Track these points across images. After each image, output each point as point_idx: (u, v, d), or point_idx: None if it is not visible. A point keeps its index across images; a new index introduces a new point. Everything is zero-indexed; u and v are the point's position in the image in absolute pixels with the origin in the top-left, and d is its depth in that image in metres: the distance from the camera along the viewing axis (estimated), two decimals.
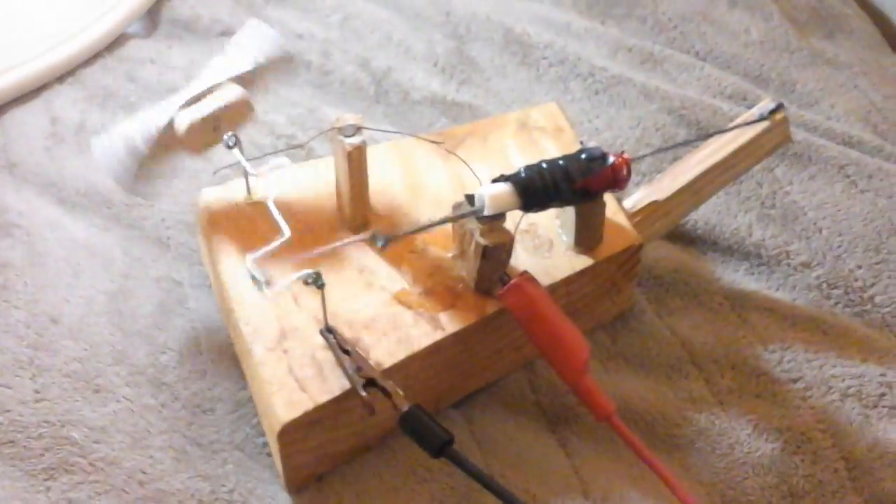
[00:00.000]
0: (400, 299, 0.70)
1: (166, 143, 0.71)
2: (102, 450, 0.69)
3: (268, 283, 0.64)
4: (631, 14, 1.02)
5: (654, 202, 0.77)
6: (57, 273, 0.78)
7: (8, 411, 0.70)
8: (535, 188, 0.68)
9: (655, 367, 0.76)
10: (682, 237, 0.84)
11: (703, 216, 0.85)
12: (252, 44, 0.74)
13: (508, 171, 0.74)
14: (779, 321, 0.79)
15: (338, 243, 0.67)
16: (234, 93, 0.71)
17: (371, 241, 0.65)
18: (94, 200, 0.84)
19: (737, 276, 0.82)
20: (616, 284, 0.76)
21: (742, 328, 0.78)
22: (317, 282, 0.64)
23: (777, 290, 0.82)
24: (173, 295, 0.79)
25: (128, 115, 0.88)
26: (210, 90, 0.71)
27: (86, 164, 0.86)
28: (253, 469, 0.70)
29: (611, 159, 0.69)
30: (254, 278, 0.64)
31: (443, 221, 0.68)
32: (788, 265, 0.82)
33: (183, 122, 0.70)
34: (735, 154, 0.77)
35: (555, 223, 0.74)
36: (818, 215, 0.85)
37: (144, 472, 0.68)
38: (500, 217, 0.68)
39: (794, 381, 0.76)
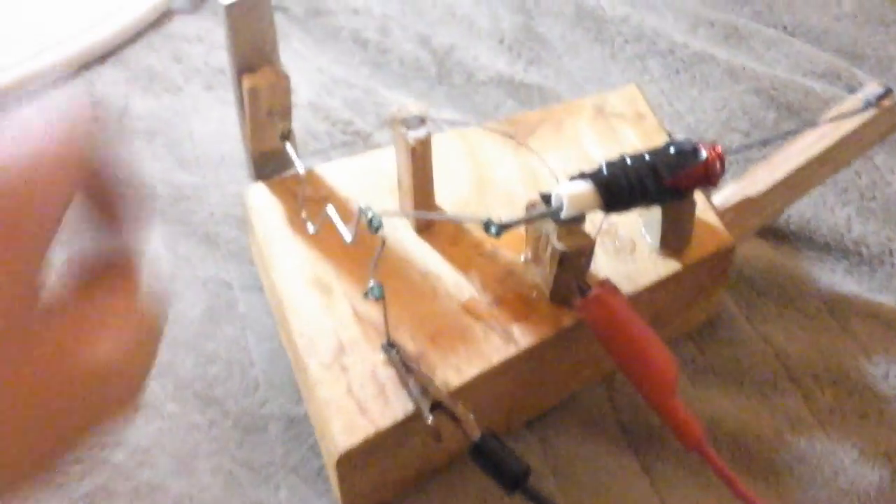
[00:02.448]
0: (469, 309, 0.64)
1: None
2: (146, 473, 0.64)
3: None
4: None
5: (747, 198, 0.69)
6: None
7: None
8: (619, 187, 0.61)
9: (748, 381, 0.69)
10: (774, 233, 0.77)
11: (796, 210, 0.77)
12: None
13: (584, 162, 0.67)
14: (883, 329, 0.72)
15: (446, 215, 0.61)
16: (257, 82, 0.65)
17: (484, 227, 0.59)
18: (136, 193, 0.78)
19: (835, 278, 0.75)
20: (705, 290, 0.69)
21: (843, 337, 0.71)
22: (375, 293, 0.58)
23: (881, 292, 0.74)
24: (222, 298, 0.73)
25: (173, 98, 0.83)
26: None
27: (129, 153, 0.80)
28: (308, 496, 0.64)
29: (703, 153, 0.61)
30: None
31: (520, 222, 0.61)
32: (893, 265, 0.75)
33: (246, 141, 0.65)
34: (837, 145, 0.70)
35: (637, 222, 0.67)
36: None
37: (191, 499, 0.63)
38: (579, 219, 0.61)
39: None
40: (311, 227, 0.62)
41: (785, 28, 0.91)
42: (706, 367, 0.70)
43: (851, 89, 0.85)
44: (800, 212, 0.77)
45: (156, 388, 0.68)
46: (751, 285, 0.74)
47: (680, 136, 0.63)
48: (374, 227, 0.56)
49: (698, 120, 0.83)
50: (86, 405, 0.34)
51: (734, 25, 0.90)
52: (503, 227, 0.59)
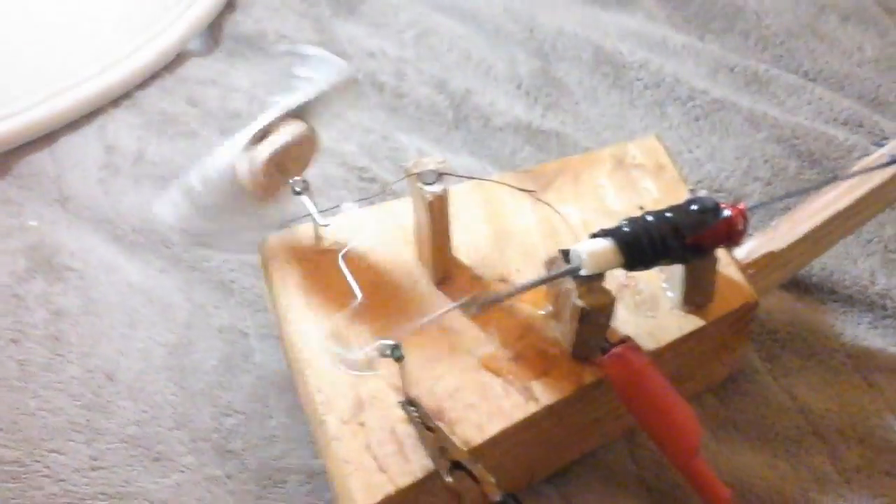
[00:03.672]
0: (488, 365, 0.63)
1: (228, 189, 0.64)
2: None
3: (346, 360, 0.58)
4: (732, 28, 0.93)
5: (771, 253, 0.68)
6: (112, 322, 0.72)
7: (62, 480, 0.65)
8: (640, 245, 0.60)
9: (772, 437, 0.68)
10: (797, 285, 0.76)
11: (819, 261, 0.76)
12: (314, 74, 0.67)
13: (604, 215, 0.67)
14: None
15: (426, 318, 0.60)
16: (297, 129, 0.64)
17: (465, 309, 0.58)
18: (151, 239, 0.78)
19: (859, 331, 0.74)
20: (727, 344, 0.68)
21: (868, 393, 0.70)
22: (395, 354, 0.57)
23: None
24: (238, 347, 0.72)
25: (188, 143, 0.83)
26: (270, 127, 0.64)
27: (142, 198, 0.80)
28: None
29: (726, 212, 0.61)
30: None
31: (539, 283, 0.61)
32: None
33: (243, 165, 0.63)
34: (862, 200, 0.69)
35: (659, 276, 0.66)
36: None
37: None
38: (599, 276, 0.60)
39: None
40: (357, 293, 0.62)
41: (806, 74, 0.90)
42: (729, 422, 0.69)
43: (874, 137, 0.84)
44: (822, 263, 0.76)
45: (173, 440, 0.67)
46: (775, 339, 0.73)
47: (702, 192, 0.62)
48: (395, 357, 0.56)
49: (718, 168, 0.82)
50: None
51: (755, 71, 0.89)
52: (482, 306, 0.60)
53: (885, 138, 0.84)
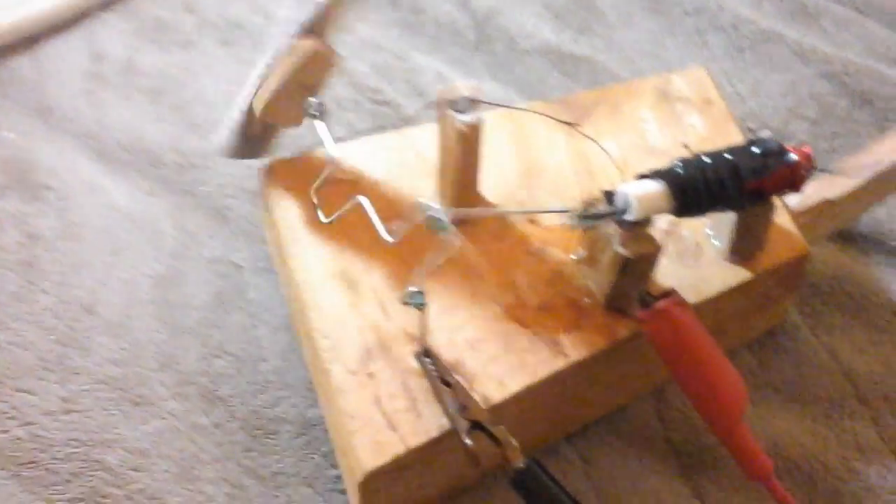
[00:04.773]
0: (513, 315, 0.57)
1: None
2: (142, 480, 0.57)
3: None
4: None
5: (826, 201, 0.62)
6: (93, 249, 0.66)
7: (30, 424, 0.58)
8: (696, 189, 0.53)
9: (812, 400, 0.62)
10: (841, 234, 0.70)
11: None
12: None
13: (645, 152, 0.60)
14: None
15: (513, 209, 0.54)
16: (303, 49, 0.57)
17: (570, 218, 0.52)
18: (139, 158, 0.71)
19: None
20: (772, 299, 0.62)
21: None
22: (416, 301, 0.51)
23: None
24: (231, 282, 0.66)
25: (184, 54, 0.75)
26: (278, 56, 0.57)
27: (131, 112, 0.73)
28: None
29: (791, 155, 0.54)
30: None
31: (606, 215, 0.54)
32: None
33: (258, 105, 0.57)
34: None
35: (702, 223, 0.60)
36: None
37: None
38: (645, 222, 0.54)
39: None
40: (322, 217, 0.55)
41: (857, 7, 0.83)
42: (767, 383, 0.63)
43: None
44: (870, 211, 0.70)
45: (156, 382, 0.60)
46: (816, 293, 0.67)
47: (764, 133, 0.55)
48: (437, 228, 0.49)
49: (762, 105, 0.75)
50: None
51: (803, 2, 0.82)
52: (591, 218, 0.52)
53: None
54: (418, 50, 0.78)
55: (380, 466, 0.52)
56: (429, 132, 0.60)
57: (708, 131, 0.64)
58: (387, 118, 0.73)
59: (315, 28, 0.57)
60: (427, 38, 0.79)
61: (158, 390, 0.60)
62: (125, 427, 0.59)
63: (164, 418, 0.59)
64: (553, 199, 0.61)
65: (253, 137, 0.60)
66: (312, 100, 0.56)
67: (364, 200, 0.53)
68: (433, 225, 0.48)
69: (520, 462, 0.51)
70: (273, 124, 0.59)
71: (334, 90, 0.74)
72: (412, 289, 0.51)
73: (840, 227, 0.65)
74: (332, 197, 0.58)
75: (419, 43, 0.79)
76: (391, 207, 0.58)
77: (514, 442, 0.51)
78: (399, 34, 0.79)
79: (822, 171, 0.57)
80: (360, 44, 0.77)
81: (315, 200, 0.57)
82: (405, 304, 0.51)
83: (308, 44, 0.56)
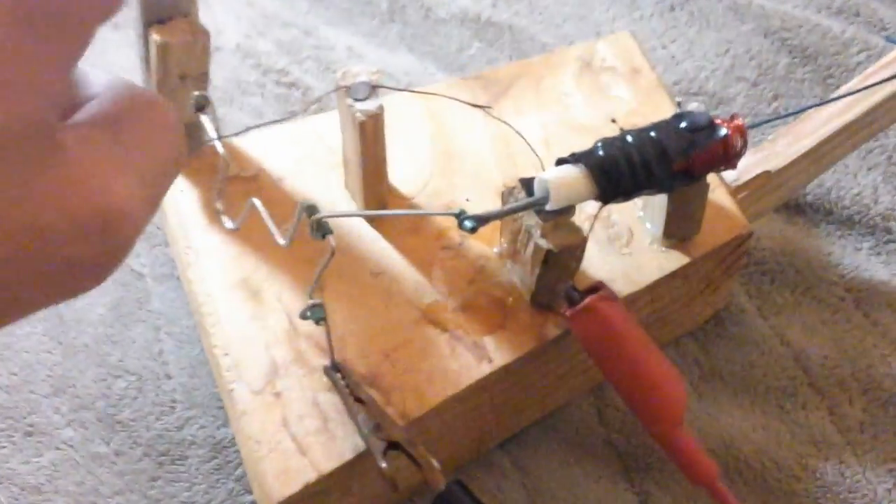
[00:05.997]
0: (431, 318, 0.52)
1: None
2: None
3: None
4: None
5: (767, 173, 0.57)
6: None
7: None
8: (619, 172, 0.48)
9: (763, 391, 0.58)
10: (787, 205, 0.65)
11: None
12: None
13: (570, 129, 0.56)
14: None
15: (406, 211, 0.49)
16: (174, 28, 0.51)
17: (456, 219, 0.46)
18: None
19: (859, 259, 0.63)
20: (713, 283, 0.58)
21: (872, 334, 0.60)
22: (314, 316, 0.46)
23: None
24: (132, 291, 0.60)
25: None
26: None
27: None
28: None
29: (722, 130, 0.49)
30: None
31: (508, 212, 0.49)
32: None
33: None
34: (874, 110, 0.58)
35: (634, 206, 0.55)
36: None
37: None
38: (568, 210, 0.49)
39: None
40: (228, 223, 0.50)
41: None
42: (713, 373, 0.59)
43: (873, 28, 0.73)
44: (817, 180, 0.65)
45: (48, 409, 0.55)
46: (762, 270, 0.63)
47: (692, 105, 0.50)
48: (320, 233, 0.44)
49: (697, 66, 0.71)
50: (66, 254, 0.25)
51: None
52: (481, 221, 0.46)
53: (885, 28, 0.73)
54: (328, 23, 0.72)
55: (290, 496, 0.47)
56: (335, 119, 0.55)
57: (637, 103, 0.59)
58: (296, 102, 0.67)
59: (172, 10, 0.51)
60: (336, 10, 0.73)
61: (52, 418, 0.55)
62: (16, 461, 0.54)
63: (59, 448, 0.54)
64: (472, 187, 0.56)
65: None
66: (196, 93, 0.50)
67: (257, 202, 0.48)
68: (315, 227, 0.43)
69: (440, 485, 0.46)
70: None
71: (237, 72, 0.68)
72: (311, 301, 0.46)
73: (784, 199, 0.61)
74: (234, 197, 0.53)
75: (328, 16, 0.73)
76: (289, 202, 0.54)
77: (435, 462, 0.47)
78: (307, 7, 0.73)
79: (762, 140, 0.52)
80: (264, 19, 0.72)
81: (220, 207, 0.51)
82: (304, 318, 0.46)
83: (172, 29, 0.51)
